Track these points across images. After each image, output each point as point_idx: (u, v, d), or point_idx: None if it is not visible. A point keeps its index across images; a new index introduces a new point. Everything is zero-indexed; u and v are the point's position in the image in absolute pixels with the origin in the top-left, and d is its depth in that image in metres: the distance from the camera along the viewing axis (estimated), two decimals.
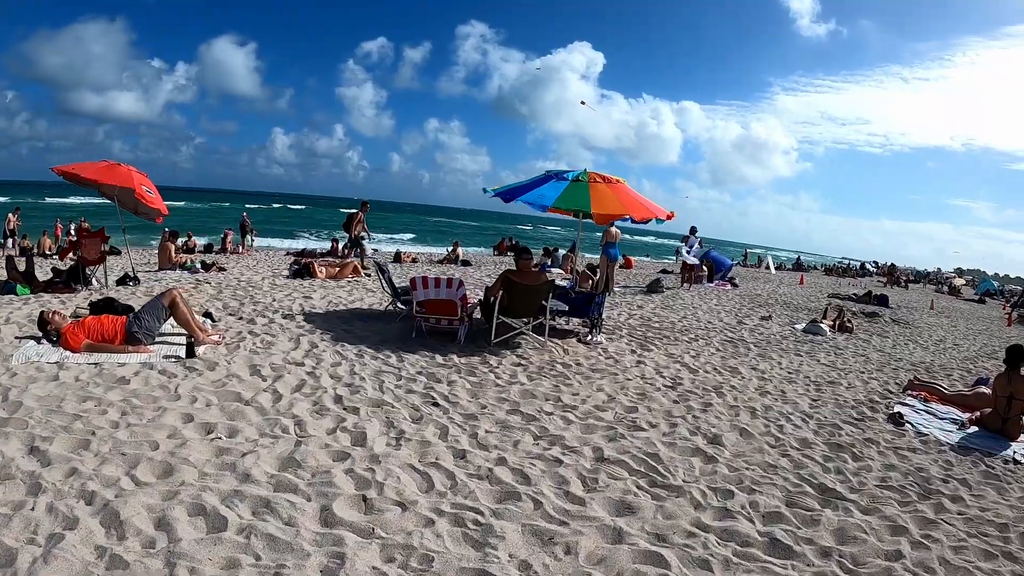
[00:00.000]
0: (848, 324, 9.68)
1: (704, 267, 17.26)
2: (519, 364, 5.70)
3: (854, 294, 16.94)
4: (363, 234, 14.01)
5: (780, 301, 13.72)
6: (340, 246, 19.19)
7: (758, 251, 47.31)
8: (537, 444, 3.79)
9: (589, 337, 6.87)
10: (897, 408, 5.28)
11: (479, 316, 6.76)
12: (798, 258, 43.36)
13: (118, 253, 11.69)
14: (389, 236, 36.78)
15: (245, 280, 9.89)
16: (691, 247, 15.04)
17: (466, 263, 18.42)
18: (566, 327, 7.58)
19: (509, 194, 7.00)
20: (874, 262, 50.46)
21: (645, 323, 8.59)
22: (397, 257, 18.24)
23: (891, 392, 6.01)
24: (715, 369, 6.19)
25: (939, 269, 50.89)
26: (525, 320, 6.37)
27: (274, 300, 7.87)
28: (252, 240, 20.86)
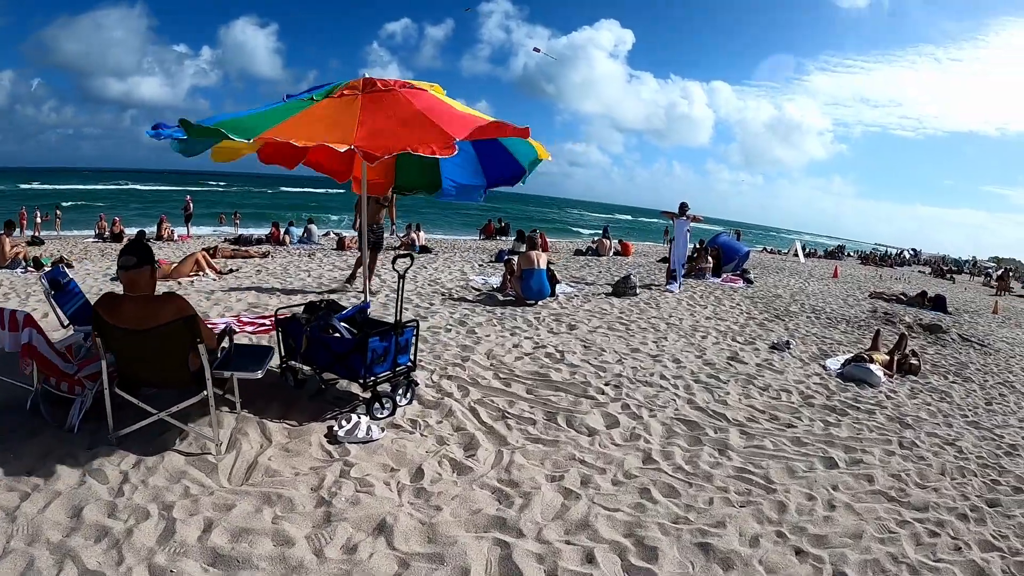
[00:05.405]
0: (914, 363, 5.71)
1: (709, 257, 12.98)
2: (74, 514, 2.05)
3: (903, 294, 12.75)
4: (384, 221, 8.48)
5: (808, 306, 9.62)
6: (281, 232, 15.93)
7: (794, 237, 42.14)
8: None
9: (349, 424, 3.07)
10: None
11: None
12: (841, 246, 38.40)
13: None
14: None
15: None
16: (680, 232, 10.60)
17: (425, 250, 14.69)
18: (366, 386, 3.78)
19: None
20: (913, 249, 45.34)
21: (544, 369, 4.60)
22: (340, 243, 14.57)
23: None
24: (589, 559, 2.28)
25: (974, 258, 46.66)
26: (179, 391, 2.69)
27: None
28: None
